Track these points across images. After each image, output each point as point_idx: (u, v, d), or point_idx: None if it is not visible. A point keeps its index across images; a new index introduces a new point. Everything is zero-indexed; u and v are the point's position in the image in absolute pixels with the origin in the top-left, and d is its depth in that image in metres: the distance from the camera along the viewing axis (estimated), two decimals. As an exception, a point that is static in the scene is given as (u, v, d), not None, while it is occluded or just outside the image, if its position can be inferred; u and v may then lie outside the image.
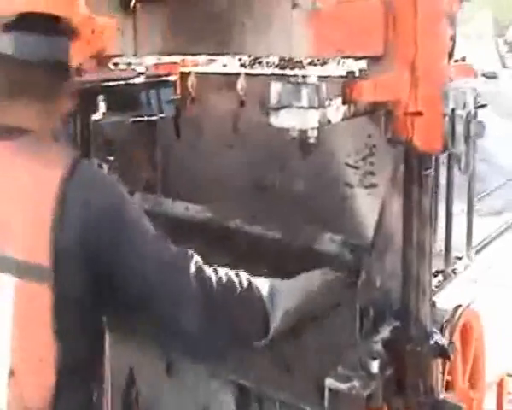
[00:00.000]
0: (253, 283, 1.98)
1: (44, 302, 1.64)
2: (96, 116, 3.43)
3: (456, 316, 2.96)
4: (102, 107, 3.33)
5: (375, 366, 2.17)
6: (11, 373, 1.65)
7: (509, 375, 4.26)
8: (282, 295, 2.03)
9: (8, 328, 1.65)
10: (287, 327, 2.06)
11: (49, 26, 1.79)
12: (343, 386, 2.12)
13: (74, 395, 1.74)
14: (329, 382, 2.13)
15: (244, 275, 1.97)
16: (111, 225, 1.72)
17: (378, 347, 2.30)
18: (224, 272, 1.90)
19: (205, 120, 3.14)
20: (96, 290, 1.72)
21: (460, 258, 3.15)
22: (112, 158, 3.29)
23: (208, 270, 1.86)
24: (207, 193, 3.01)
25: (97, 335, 1.85)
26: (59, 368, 1.67)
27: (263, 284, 2.01)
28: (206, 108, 3.15)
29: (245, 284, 1.93)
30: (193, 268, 1.81)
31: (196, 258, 1.85)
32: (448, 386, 2.77)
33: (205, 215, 2.86)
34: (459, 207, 3.31)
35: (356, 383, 2.12)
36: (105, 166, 3.29)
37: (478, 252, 3.39)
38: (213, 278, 1.84)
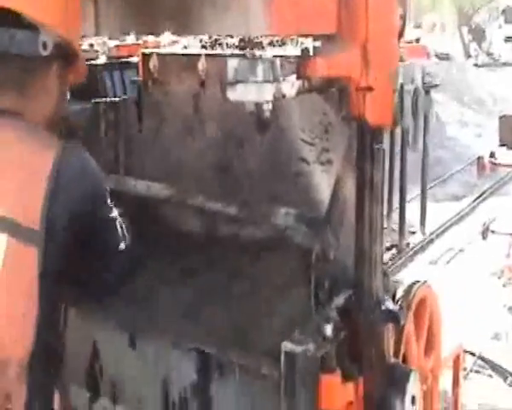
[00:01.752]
0: None
1: (32, 262, 1.78)
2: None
3: (412, 292, 3.06)
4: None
5: (328, 330, 2.26)
6: None
7: (465, 351, 4.39)
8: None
9: None
10: None
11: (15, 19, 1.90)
12: (298, 348, 2.21)
13: (46, 359, 1.87)
14: (285, 345, 2.22)
15: None
16: (95, 209, 1.99)
17: (332, 313, 2.39)
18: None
19: (167, 100, 3.20)
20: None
21: (414, 232, 3.25)
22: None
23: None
24: (169, 173, 3.08)
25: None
26: (38, 327, 1.80)
27: None
28: (168, 89, 3.20)
29: None
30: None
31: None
32: (405, 361, 2.86)
33: (166, 193, 2.93)
34: (416, 192, 3.43)
35: (310, 346, 2.22)
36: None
37: (438, 236, 3.50)
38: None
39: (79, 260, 1.97)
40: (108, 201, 2.05)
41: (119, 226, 2.08)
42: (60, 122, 2.19)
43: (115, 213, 2.08)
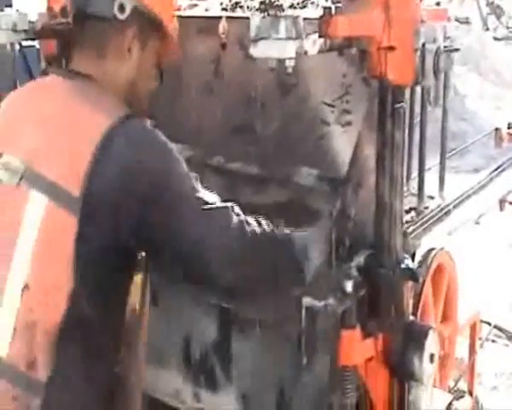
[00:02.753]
0: (283, 234, 2.01)
1: (70, 232, 1.69)
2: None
3: (430, 257, 3.09)
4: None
5: (349, 286, 2.29)
6: (25, 287, 1.69)
7: (482, 321, 4.41)
8: (308, 246, 2.06)
9: (31, 244, 1.70)
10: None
11: None
12: (319, 304, 2.24)
13: (80, 334, 1.77)
14: (306, 300, 2.25)
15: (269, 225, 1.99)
16: (151, 188, 1.76)
17: (353, 271, 2.42)
18: (262, 222, 1.95)
19: (187, 63, 3.21)
20: (122, 244, 1.77)
21: (433, 197, 3.26)
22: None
23: (251, 221, 1.91)
24: (189, 134, 3.10)
25: (116, 294, 1.89)
26: (73, 298, 1.72)
27: (291, 231, 2.05)
28: (189, 52, 3.22)
29: (278, 234, 1.98)
30: (235, 223, 1.85)
31: (237, 210, 1.91)
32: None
33: (186, 153, 2.95)
34: (434, 162, 3.43)
35: (331, 301, 2.25)
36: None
37: (455, 207, 3.50)
38: (257, 230, 1.89)
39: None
40: (179, 183, 1.81)
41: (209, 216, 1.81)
42: (142, 99, 2.06)
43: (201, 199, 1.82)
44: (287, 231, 2.01)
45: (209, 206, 1.82)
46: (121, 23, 1.89)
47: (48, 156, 1.74)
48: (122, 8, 1.86)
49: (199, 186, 1.86)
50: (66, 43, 2.05)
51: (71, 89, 1.85)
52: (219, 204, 1.86)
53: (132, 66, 1.96)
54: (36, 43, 3.17)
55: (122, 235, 1.74)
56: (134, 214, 1.74)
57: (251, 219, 1.92)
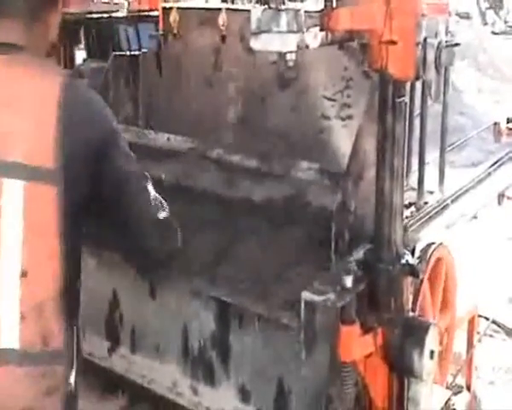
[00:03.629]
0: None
1: (51, 202, 1.73)
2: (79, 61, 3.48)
3: (429, 252, 3.07)
4: (83, 43, 3.37)
5: (348, 281, 2.27)
6: (23, 274, 1.73)
7: (480, 315, 4.40)
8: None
9: (19, 233, 1.73)
10: None
11: None
12: (318, 298, 2.22)
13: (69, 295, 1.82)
14: (305, 295, 2.23)
15: None
16: (107, 141, 1.82)
17: (352, 265, 2.40)
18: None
19: (187, 55, 3.20)
20: (89, 196, 1.82)
21: (432, 192, 3.25)
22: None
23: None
24: (189, 126, 3.09)
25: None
26: (63, 266, 1.77)
27: None
28: (188, 44, 3.21)
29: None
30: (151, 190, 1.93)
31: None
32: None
33: (186, 145, 2.94)
34: (432, 156, 3.41)
35: (330, 296, 2.23)
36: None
37: (453, 201, 3.49)
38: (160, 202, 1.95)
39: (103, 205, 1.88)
40: (122, 143, 1.88)
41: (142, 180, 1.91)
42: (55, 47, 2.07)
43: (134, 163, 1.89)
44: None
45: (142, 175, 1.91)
46: None
47: (17, 141, 1.74)
48: None
49: None
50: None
51: (10, 64, 1.84)
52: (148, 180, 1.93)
53: (55, 29, 1.98)
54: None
55: (91, 189, 1.82)
56: (93, 168, 1.81)
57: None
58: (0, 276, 1.73)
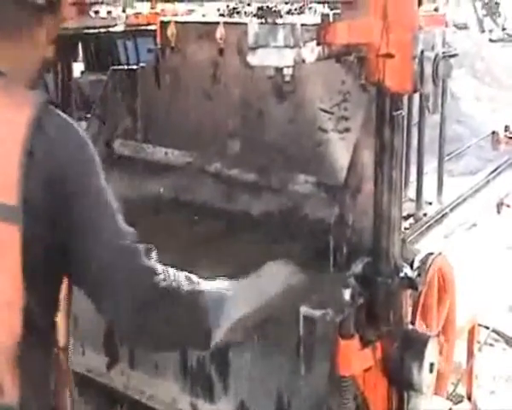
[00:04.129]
0: (202, 288, 1.79)
1: (14, 243, 1.59)
2: (76, 73, 3.47)
3: (428, 263, 3.07)
4: (81, 56, 3.37)
5: (347, 295, 2.27)
6: None
7: (480, 324, 4.39)
8: (232, 304, 1.82)
9: None
10: (237, 336, 1.89)
11: None
12: (317, 313, 2.22)
13: (38, 346, 1.70)
14: (304, 310, 2.23)
15: (194, 278, 1.80)
16: (75, 183, 1.66)
17: (350, 279, 2.40)
18: (173, 272, 1.76)
19: (185, 69, 3.21)
20: (57, 243, 1.66)
21: (430, 203, 3.25)
22: (89, 115, 3.35)
23: (159, 266, 1.74)
24: (187, 140, 3.09)
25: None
26: (25, 312, 1.62)
27: (212, 290, 1.82)
28: (186, 58, 3.21)
29: (192, 288, 1.77)
30: (144, 260, 1.70)
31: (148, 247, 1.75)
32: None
33: (184, 160, 2.94)
34: (431, 165, 3.42)
35: (329, 311, 2.23)
36: (83, 124, 3.34)
37: (452, 210, 3.49)
38: (162, 276, 1.72)
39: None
40: (101, 174, 1.70)
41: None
42: (41, 76, 1.93)
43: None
44: (207, 287, 1.81)
45: (125, 231, 1.71)
46: (35, 13, 1.77)
47: None
48: None
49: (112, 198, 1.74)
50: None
51: None
52: (134, 237, 1.72)
53: (43, 47, 1.82)
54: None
55: (58, 234, 1.65)
56: (62, 210, 1.65)
57: (170, 270, 1.75)
58: None
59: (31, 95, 1.70)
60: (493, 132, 5.39)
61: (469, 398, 3.84)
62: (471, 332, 3.88)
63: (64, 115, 1.71)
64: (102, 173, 1.71)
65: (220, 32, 2.98)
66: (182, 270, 1.75)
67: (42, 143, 1.62)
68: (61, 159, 1.64)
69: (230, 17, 3.20)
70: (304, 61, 2.13)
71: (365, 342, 2.42)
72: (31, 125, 1.61)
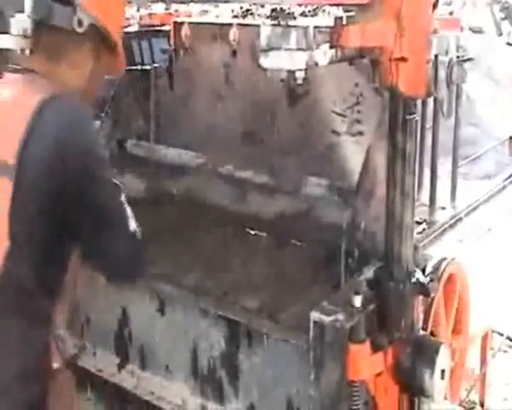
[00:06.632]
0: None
1: (6, 197, 1.78)
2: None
3: (442, 268, 3.04)
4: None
5: (357, 301, 2.25)
6: None
7: (494, 331, 4.36)
8: None
9: None
10: None
11: None
12: (327, 319, 2.20)
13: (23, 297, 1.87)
14: (314, 315, 2.21)
15: None
16: (80, 166, 1.85)
17: (362, 285, 2.38)
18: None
19: (198, 69, 3.20)
20: (54, 209, 1.84)
21: (444, 208, 3.22)
22: (103, 114, 3.35)
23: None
24: (200, 141, 3.08)
25: (56, 263, 1.95)
26: (8, 261, 1.80)
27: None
28: (200, 58, 3.20)
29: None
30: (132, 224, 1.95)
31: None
32: (433, 336, 2.84)
33: (197, 161, 2.93)
34: (444, 169, 3.38)
35: (340, 316, 2.21)
36: (97, 123, 3.34)
37: (467, 214, 3.45)
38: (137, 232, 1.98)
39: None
40: (104, 165, 1.92)
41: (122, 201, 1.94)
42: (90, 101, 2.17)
43: (117, 187, 1.94)
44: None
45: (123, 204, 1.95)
46: (78, 36, 2.01)
47: None
48: (80, 22, 1.99)
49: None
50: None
51: (16, 79, 1.97)
52: (128, 209, 1.96)
53: (83, 75, 2.09)
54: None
55: (54, 202, 1.84)
56: (63, 184, 1.84)
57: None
58: None
59: (48, 85, 1.93)
60: (510, 137, 5.33)
61: (482, 405, 3.81)
62: (484, 339, 3.85)
63: (73, 102, 1.92)
64: (104, 156, 1.93)
65: (233, 33, 2.97)
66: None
67: (47, 118, 1.82)
68: (59, 135, 1.83)
69: (244, 19, 3.19)
70: (316, 64, 2.11)
71: (376, 348, 2.40)
72: (41, 103, 1.82)
